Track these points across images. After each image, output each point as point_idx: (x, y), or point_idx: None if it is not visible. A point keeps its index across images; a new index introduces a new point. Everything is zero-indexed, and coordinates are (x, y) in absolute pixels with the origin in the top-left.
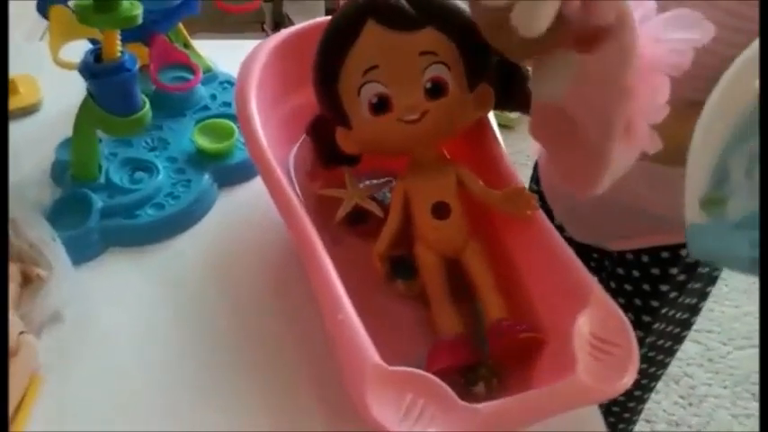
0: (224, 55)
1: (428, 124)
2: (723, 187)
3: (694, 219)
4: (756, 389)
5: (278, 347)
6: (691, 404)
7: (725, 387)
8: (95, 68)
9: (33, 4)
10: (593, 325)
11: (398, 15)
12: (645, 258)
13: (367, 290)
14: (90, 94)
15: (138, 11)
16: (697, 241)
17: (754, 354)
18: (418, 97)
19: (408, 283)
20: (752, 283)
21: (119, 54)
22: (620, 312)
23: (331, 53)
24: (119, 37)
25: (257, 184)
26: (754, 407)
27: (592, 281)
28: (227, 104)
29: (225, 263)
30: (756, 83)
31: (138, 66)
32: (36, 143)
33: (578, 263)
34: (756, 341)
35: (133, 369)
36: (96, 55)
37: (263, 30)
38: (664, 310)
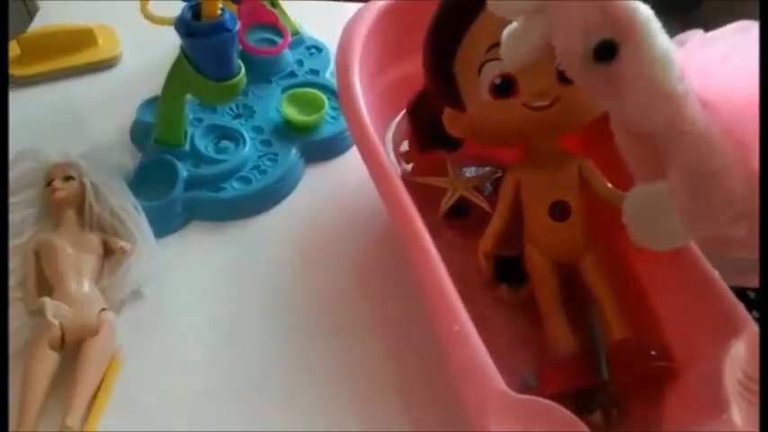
0: (310, 16)
1: (557, 112)
2: None
3: None
4: None
5: (370, 346)
6: None
7: None
8: (193, 26)
9: None
10: (746, 361)
11: None
12: None
13: (467, 291)
14: (184, 54)
15: None
16: None
17: None
18: (551, 81)
19: (515, 289)
20: None
21: (219, 12)
22: None
23: (450, 25)
24: None
25: (345, 161)
26: None
27: (741, 308)
28: (315, 72)
29: (312, 246)
30: None
31: (237, 26)
32: (115, 101)
33: (722, 284)
34: None
35: (211, 358)
36: (195, 12)
37: None
38: None
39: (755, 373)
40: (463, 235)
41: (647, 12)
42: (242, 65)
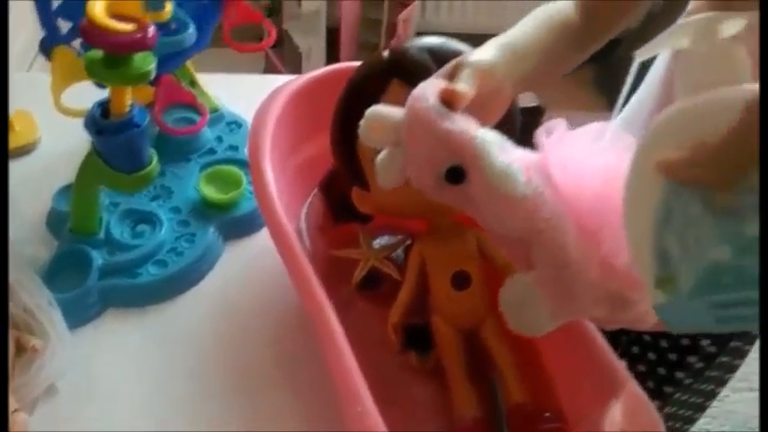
0: (230, 91)
1: None
2: (668, 266)
3: (656, 299)
4: None
5: (285, 418)
6: None
7: None
8: (102, 125)
9: (19, 33)
10: (625, 418)
11: (425, 75)
12: (663, 343)
13: (379, 359)
14: (94, 150)
15: (152, 65)
16: (666, 319)
17: (751, 397)
18: None
19: (423, 357)
20: None
21: (128, 108)
22: (653, 407)
23: (352, 113)
24: (129, 92)
25: (265, 236)
26: None
27: (624, 371)
28: (234, 148)
29: (231, 324)
30: (654, 161)
31: (147, 120)
32: (32, 188)
33: (608, 349)
34: (752, 384)
35: None
36: (103, 109)
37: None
38: (677, 395)
39: (632, 427)
40: (376, 304)
41: (484, 136)
42: (154, 153)
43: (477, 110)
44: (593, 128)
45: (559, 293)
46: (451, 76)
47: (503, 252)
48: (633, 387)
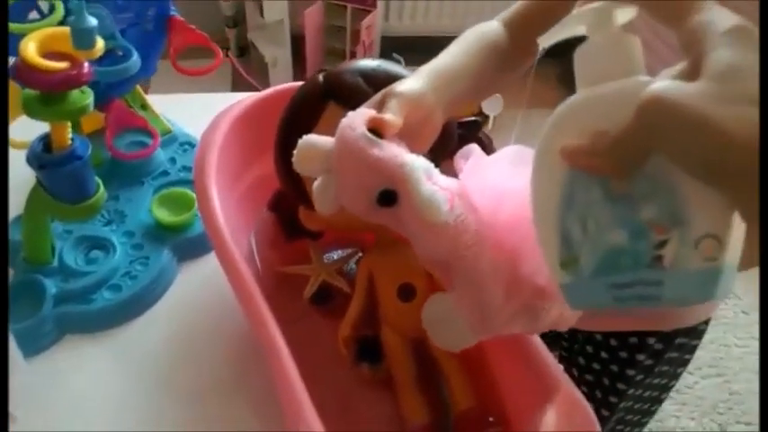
0: (186, 110)
1: None
2: (571, 247)
3: (561, 280)
4: (722, 418)
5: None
6: None
7: (693, 418)
8: (45, 159)
9: None
10: (559, 420)
11: (360, 98)
12: (613, 342)
13: (332, 373)
14: (39, 183)
15: (89, 99)
16: (570, 298)
17: (719, 383)
18: None
19: (374, 368)
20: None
21: (69, 142)
22: (588, 407)
23: (292, 135)
24: (69, 126)
25: None
26: None
27: (560, 373)
28: (188, 169)
29: (187, 344)
30: (556, 147)
31: (89, 150)
32: None
33: (546, 353)
34: (720, 369)
35: None
36: (45, 143)
37: (228, 56)
38: (630, 391)
39: (568, 427)
40: (329, 317)
41: (413, 162)
42: (100, 183)
43: (409, 137)
44: (511, 150)
45: (477, 313)
46: (381, 106)
47: (432, 273)
48: (568, 388)
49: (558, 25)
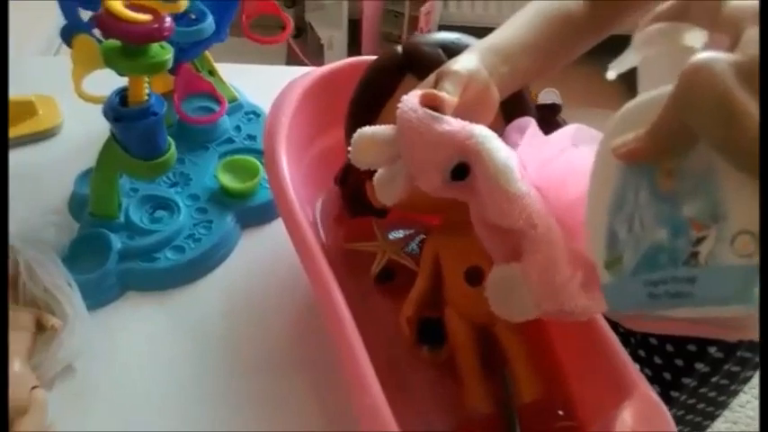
0: (250, 81)
1: None
2: (616, 247)
3: (603, 280)
4: None
5: (302, 403)
6: None
7: None
8: (120, 112)
9: (45, 18)
10: (636, 421)
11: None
12: (669, 347)
13: (393, 354)
14: (113, 136)
15: (169, 55)
16: (610, 298)
17: None
18: None
19: (435, 351)
20: None
21: (146, 97)
22: (666, 410)
23: (366, 106)
24: (147, 80)
25: (281, 224)
26: None
27: (637, 373)
28: (252, 138)
29: (247, 310)
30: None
31: (165, 108)
32: (56, 171)
33: (622, 350)
34: None
35: (149, 425)
36: (122, 97)
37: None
38: (683, 398)
39: (644, 429)
40: (392, 298)
41: (482, 131)
42: (171, 142)
43: (466, 115)
44: (571, 129)
45: (546, 284)
46: (435, 86)
47: (487, 246)
48: (646, 389)
49: (627, 51)
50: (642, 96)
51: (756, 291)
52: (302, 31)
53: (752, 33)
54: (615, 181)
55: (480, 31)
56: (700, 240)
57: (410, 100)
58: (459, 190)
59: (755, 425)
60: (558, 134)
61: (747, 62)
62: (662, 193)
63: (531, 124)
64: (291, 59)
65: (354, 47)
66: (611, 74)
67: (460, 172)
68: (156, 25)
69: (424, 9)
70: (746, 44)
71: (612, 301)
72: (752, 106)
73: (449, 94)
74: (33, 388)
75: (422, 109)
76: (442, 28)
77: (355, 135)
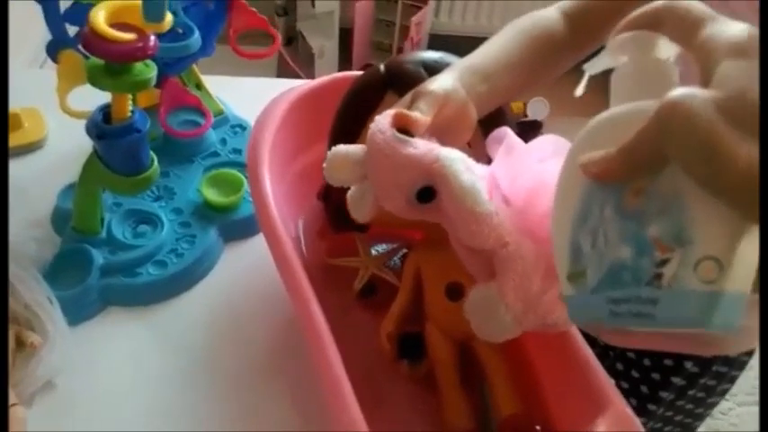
0: (237, 93)
1: None
2: (580, 260)
3: (566, 292)
4: None
5: (284, 416)
6: None
7: None
8: (104, 129)
9: (33, 31)
10: None
11: None
12: (647, 362)
13: (374, 368)
14: (96, 153)
15: (153, 73)
16: (571, 311)
17: (755, 412)
18: None
19: (415, 366)
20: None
21: (129, 113)
22: (640, 425)
23: (348, 122)
24: (130, 97)
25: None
26: None
27: (612, 388)
28: (238, 151)
29: (229, 324)
30: (578, 162)
31: (148, 124)
32: (39, 184)
33: (598, 366)
34: (758, 398)
35: None
36: (105, 114)
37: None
38: (660, 411)
39: None
40: (374, 312)
41: (448, 154)
42: (154, 157)
43: (443, 134)
44: (548, 140)
45: (521, 301)
46: (410, 106)
47: (466, 265)
48: (620, 404)
49: (601, 54)
50: (612, 111)
51: (717, 314)
52: (293, 39)
53: (728, 67)
54: (581, 194)
55: (471, 41)
56: (664, 262)
57: (381, 121)
58: (427, 212)
59: None
60: (534, 144)
61: (727, 98)
62: (628, 210)
63: (508, 134)
64: (282, 68)
65: (345, 56)
66: (580, 90)
67: (426, 194)
68: (140, 44)
69: (415, 19)
70: (724, 79)
71: (573, 314)
72: (734, 142)
73: (422, 114)
74: (12, 405)
75: (390, 130)
76: (433, 38)
77: (329, 153)
